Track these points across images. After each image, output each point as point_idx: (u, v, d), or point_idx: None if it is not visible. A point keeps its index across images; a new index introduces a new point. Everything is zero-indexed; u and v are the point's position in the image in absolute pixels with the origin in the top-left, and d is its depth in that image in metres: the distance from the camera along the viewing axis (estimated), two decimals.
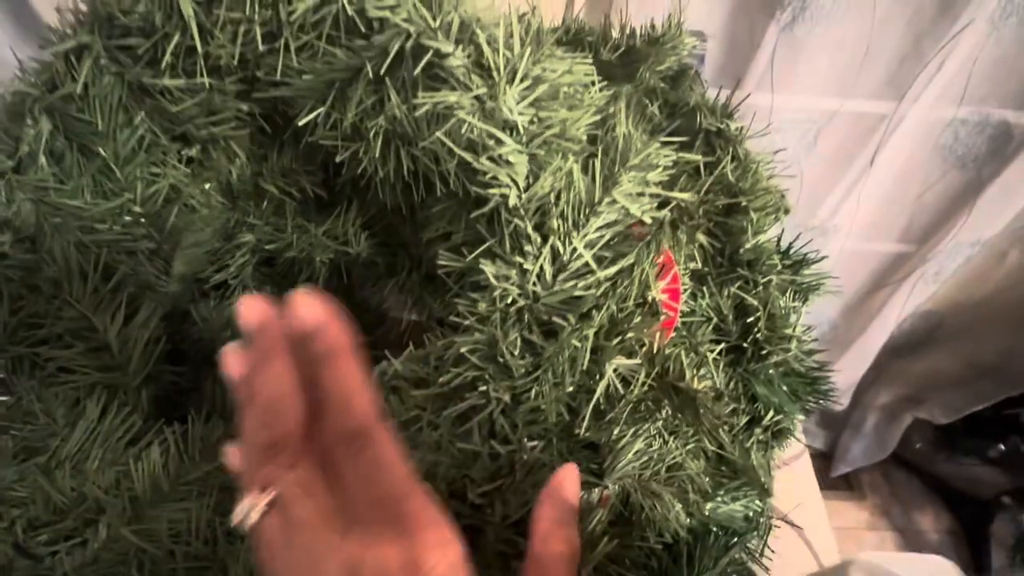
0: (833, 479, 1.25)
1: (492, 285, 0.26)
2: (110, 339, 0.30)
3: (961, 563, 1.32)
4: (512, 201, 0.27)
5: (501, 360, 0.25)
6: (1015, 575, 1.03)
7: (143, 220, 0.35)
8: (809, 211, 0.93)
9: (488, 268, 0.26)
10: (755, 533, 0.39)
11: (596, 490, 0.30)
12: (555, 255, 0.26)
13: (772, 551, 0.39)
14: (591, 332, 0.25)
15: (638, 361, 0.27)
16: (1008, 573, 1.03)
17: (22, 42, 0.70)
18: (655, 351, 0.28)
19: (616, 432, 0.27)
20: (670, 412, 0.31)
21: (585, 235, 0.26)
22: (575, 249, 0.26)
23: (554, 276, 0.26)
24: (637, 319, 0.26)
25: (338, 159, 0.33)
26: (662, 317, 0.27)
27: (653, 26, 0.42)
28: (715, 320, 0.38)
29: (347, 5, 0.30)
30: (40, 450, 0.28)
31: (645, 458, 0.29)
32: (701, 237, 0.35)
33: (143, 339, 0.32)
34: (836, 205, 0.91)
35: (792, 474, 0.59)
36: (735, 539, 0.38)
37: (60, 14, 0.32)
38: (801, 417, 0.39)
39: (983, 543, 1.08)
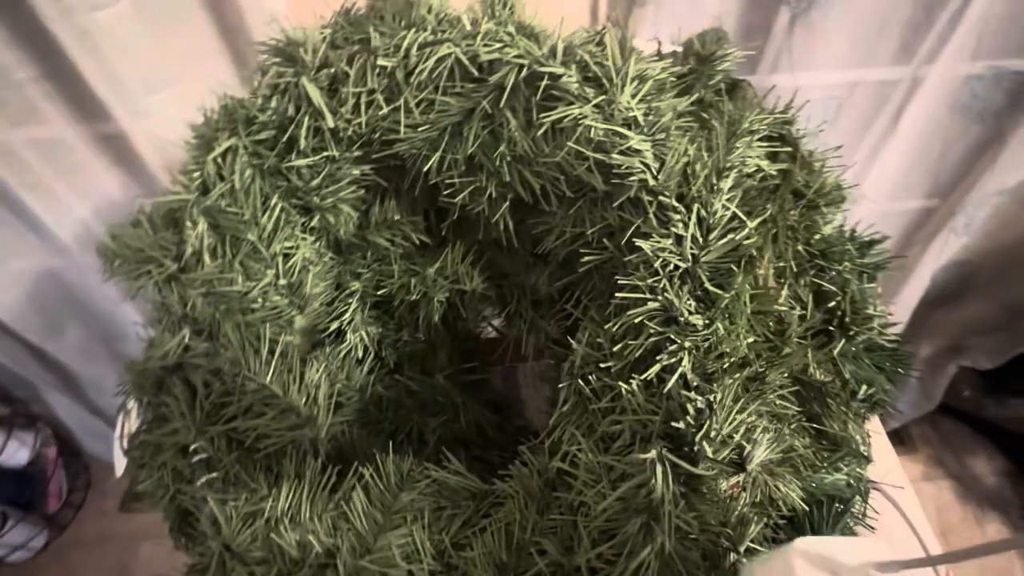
0: None
1: (651, 258, 0.30)
2: (294, 401, 0.34)
3: (1020, 500, 1.34)
4: (651, 182, 0.30)
5: (682, 319, 0.29)
6: None
7: (286, 292, 0.38)
8: None
9: (644, 244, 0.30)
10: (858, 498, 0.43)
11: (730, 479, 0.34)
12: (700, 219, 0.30)
13: (876, 512, 0.43)
14: (760, 277, 0.29)
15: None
16: None
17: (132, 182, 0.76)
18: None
19: (751, 422, 0.30)
20: (779, 397, 0.35)
21: (722, 195, 0.30)
22: (717, 210, 0.30)
23: (705, 236, 0.30)
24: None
25: (457, 199, 0.37)
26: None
27: (703, 43, 0.46)
28: (798, 310, 0.42)
29: (461, 54, 0.33)
30: (259, 513, 0.32)
31: (775, 445, 0.32)
32: (800, 248, 0.38)
33: (324, 395, 0.36)
34: (861, 172, 0.94)
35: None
36: (843, 505, 0.41)
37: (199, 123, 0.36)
38: (889, 386, 0.43)
39: None
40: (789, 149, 0.38)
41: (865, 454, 0.42)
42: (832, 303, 0.42)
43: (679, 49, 0.47)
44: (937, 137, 0.91)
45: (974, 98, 0.86)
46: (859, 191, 0.98)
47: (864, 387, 0.40)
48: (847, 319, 0.40)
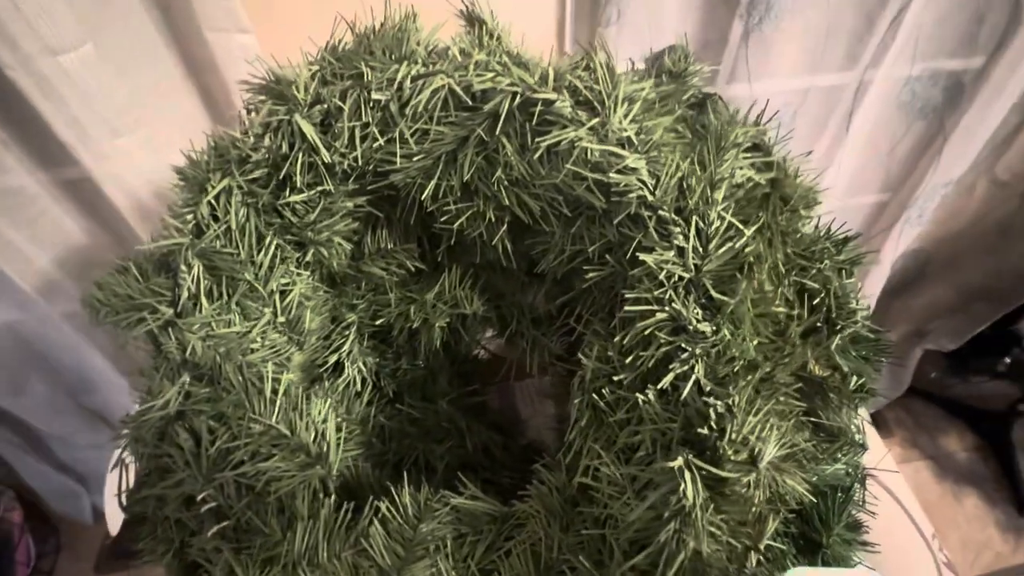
0: None
1: (655, 270, 0.30)
2: (302, 439, 0.34)
3: (992, 474, 1.40)
4: (649, 198, 0.32)
5: (691, 327, 0.29)
6: None
7: (284, 329, 0.38)
8: None
9: (648, 258, 0.31)
10: (858, 486, 0.44)
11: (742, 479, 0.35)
12: (699, 230, 0.31)
13: (876, 498, 0.45)
14: (758, 281, 0.30)
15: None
16: None
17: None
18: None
19: (764, 421, 0.31)
20: (782, 396, 0.36)
21: (717, 206, 0.31)
22: (714, 221, 0.31)
23: (704, 247, 0.31)
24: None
25: (455, 224, 0.37)
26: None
27: (673, 61, 0.48)
28: (789, 310, 0.43)
29: (455, 85, 0.34)
30: (276, 558, 0.31)
31: (783, 442, 0.33)
32: (788, 251, 0.40)
33: (332, 430, 0.35)
34: (819, 172, 0.98)
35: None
36: (845, 494, 0.43)
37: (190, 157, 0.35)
38: (876, 375, 0.44)
39: (1008, 452, 1.16)
40: (770, 158, 0.39)
41: (861, 443, 0.44)
42: (817, 300, 0.44)
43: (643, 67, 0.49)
44: (886, 136, 0.97)
45: (914, 97, 0.91)
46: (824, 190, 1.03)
47: (855, 378, 0.42)
48: (833, 315, 0.42)
